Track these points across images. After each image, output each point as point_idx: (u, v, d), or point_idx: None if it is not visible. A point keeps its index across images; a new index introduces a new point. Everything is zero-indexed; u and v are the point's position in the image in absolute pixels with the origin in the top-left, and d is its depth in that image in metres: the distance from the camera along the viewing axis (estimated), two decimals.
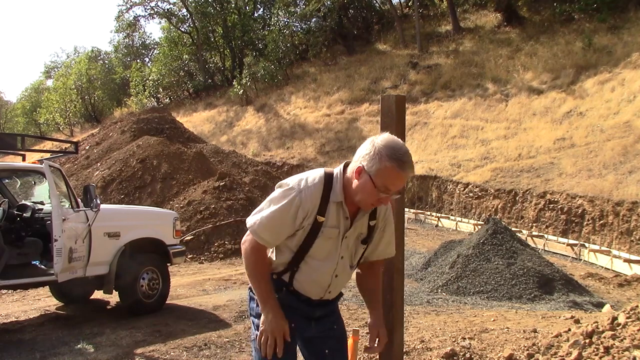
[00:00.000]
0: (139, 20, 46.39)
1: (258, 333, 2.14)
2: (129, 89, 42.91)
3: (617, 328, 3.32)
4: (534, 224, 13.81)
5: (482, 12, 28.16)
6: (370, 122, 23.96)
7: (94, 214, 5.77)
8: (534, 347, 3.77)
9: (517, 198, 14.65)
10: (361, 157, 2.01)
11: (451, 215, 16.54)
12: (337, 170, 2.13)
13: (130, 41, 49.81)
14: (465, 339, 4.67)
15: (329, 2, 31.69)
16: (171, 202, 12.24)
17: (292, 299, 2.17)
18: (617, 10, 20.95)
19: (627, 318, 3.36)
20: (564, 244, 12.10)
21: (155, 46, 48.92)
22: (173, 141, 16.16)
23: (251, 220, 2.12)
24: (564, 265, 9.99)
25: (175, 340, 5.21)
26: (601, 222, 12.18)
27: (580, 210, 12.77)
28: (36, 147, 24.48)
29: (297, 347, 2.29)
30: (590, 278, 9.02)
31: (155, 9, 42.82)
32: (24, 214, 6.14)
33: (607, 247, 11.48)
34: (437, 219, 16.44)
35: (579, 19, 22.46)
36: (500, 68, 22.08)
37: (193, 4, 38.99)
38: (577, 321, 4.38)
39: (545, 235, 12.78)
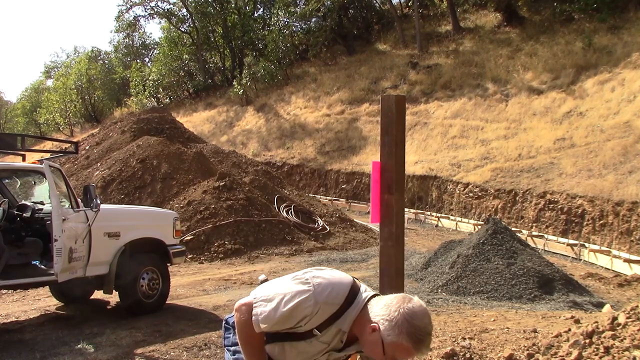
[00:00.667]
0: (139, 20, 46.44)
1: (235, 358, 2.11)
2: (129, 89, 42.93)
3: (617, 328, 3.32)
4: (534, 224, 13.81)
5: (482, 12, 28.16)
6: (370, 122, 23.96)
7: (94, 214, 5.77)
8: (534, 347, 3.77)
9: (517, 198, 14.65)
10: (381, 316, 1.85)
11: (451, 215, 16.54)
12: (362, 295, 1.97)
13: (130, 41, 49.85)
14: (465, 339, 4.67)
15: (329, 2, 31.69)
16: (171, 202, 12.23)
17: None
18: (617, 10, 20.95)
19: (627, 318, 3.36)
20: (564, 244, 12.10)
21: (155, 46, 48.95)
22: (173, 141, 16.15)
23: (258, 307, 1.95)
24: (564, 265, 9.99)
25: (175, 340, 5.21)
26: (601, 222, 12.18)
27: (580, 210, 12.77)
28: (36, 147, 24.49)
29: None
30: (590, 278, 9.02)
31: (155, 9, 42.87)
32: (24, 214, 6.14)
33: (607, 247, 11.48)
34: (437, 219, 16.44)
35: (579, 19, 22.46)
36: (500, 68, 22.08)
37: (193, 4, 39.00)
38: (577, 321, 4.38)
39: (545, 235, 12.78)
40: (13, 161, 8.11)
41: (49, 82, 57.00)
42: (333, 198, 20.76)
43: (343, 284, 1.97)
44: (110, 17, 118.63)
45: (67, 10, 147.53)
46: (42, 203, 6.41)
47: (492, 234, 8.49)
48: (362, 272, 9.08)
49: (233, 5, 39.30)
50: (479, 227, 11.46)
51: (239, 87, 31.86)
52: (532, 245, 10.64)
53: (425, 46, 27.61)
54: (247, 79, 31.90)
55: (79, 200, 5.90)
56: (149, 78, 40.05)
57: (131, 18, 44.80)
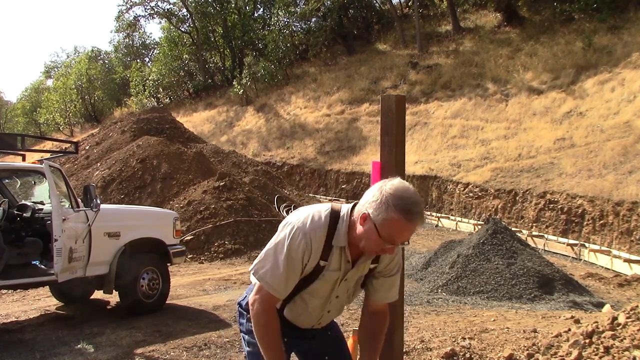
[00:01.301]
0: (139, 20, 46.46)
1: (249, 350, 2.12)
2: (129, 89, 42.93)
3: (617, 328, 3.32)
4: (534, 224, 13.81)
5: (482, 12, 28.15)
6: (370, 122, 23.95)
7: (94, 214, 5.77)
8: (534, 347, 3.77)
9: (517, 198, 14.65)
10: (367, 202, 1.88)
11: (451, 215, 16.54)
12: (344, 210, 2.00)
13: (130, 41, 49.86)
14: (465, 339, 4.67)
15: (329, 2, 31.70)
16: (171, 202, 12.24)
17: (282, 323, 2.07)
18: (617, 10, 20.94)
19: (627, 318, 3.36)
20: (564, 244, 12.10)
21: (155, 46, 48.95)
22: (173, 141, 16.16)
23: (259, 271, 1.98)
24: (564, 265, 9.99)
25: (175, 340, 5.21)
26: (601, 222, 12.18)
27: (580, 210, 12.77)
28: (36, 147, 24.48)
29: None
30: (590, 278, 9.02)
31: (155, 9, 42.87)
32: (24, 214, 6.14)
33: (607, 247, 11.48)
34: (437, 219, 16.44)
35: (579, 19, 22.45)
36: (500, 68, 22.08)
37: (193, 4, 39.00)
38: (577, 321, 4.38)
39: (545, 235, 12.78)
40: (13, 161, 8.12)
41: (49, 82, 57.02)
42: (333, 198, 20.76)
43: (321, 208, 2.01)
44: (110, 17, 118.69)
45: (67, 10, 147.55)
46: (42, 203, 6.41)
47: (492, 234, 8.49)
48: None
49: (233, 5, 39.29)
50: (479, 227, 11.46)
51: (239, 87, 31.86)
52: (532, 245, 10.64)
53: (425, 46, 27.61)
54: (247, 79, 31.89)
55: (79, 200, 5.90)
56: (149, 78, 40.04)
57: (131, 18, 44.87)
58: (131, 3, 42.02)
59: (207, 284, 8.12)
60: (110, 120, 32.16)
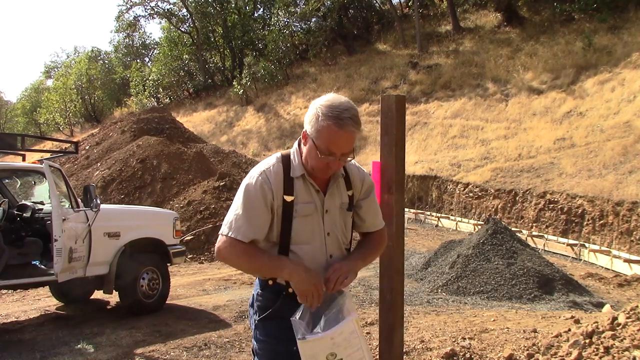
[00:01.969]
0: (139, 20, 46.54)
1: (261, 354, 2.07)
2: (129, 89, 42.93)
3: (617, 328, 3.32)
4: (534, 224, 13.81)
5: (482, 12, 28.16)
6: (370, 122, 23.94)
7: (94, 214, 5.77)
8: (534, 347, 3.77)
9: (517, 198, 14.65)
10: (306, 122, 1.92)
11: (451, 215, 16.53)
12: (293, 147, 2.03)
13: (130, 41, 49.89)
14: (465, 339, 4.67)
15: (329, 2, 31.70)
16: (171, 202, 12.24)
17: (289, 304, 1.96)
18: (617, 10, 20.96)
19: (627, 318, 3.36)
20: (564, 244, 12.10)
21: (155, 46, 48.97)
22: (173, 141, 16.16)
23: (224, 225, 1.97)
24: (564, 265, 9.99)
25: (175, 340, 5.21)
26: (601, 222, 12.18)
27: (580, 210, 12.77)
28: (36, 147, 24.49)
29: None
30: (590, 278, 9.02)
31: (155, 9, 42.91)
32: (24, 214, 6.15)
33: (607, 247, 11.47)
34: (437, 219, 16.43)
35: (579, 19, 22.46)
36: (500, 68, 22.09)
37: (193, 4, 39.01)
38: (577, 321, 4.38)
39: (545, 235, 12.77)
40: (13, 161, 8.12)
41: (49, 82, 57.01)
42: None
43: (271, 155, 2.06)
44: (110, 17, 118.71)
45: (67, 10, 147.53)
46: (42, 203, 6.42)
47: (492, 234, 8.49)
48: (362, 272, 9.04)
49: (233, 5, 39.31)
50: (479, 227, 11.46)
51: (239, 87, 31.86)
52: (532, 245, 10.64)
53: (425, 46, 27.62)
54: (247, 79, 31.90)
55: (79, 200, 5.90)
56: (149, 78, 40.05)
57: (131, 18, 44.95)
58: (131, 3, 42.07)
59: (207, 284, 8.11)
60: (110, 120, 32.16)
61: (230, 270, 9.43)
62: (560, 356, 3.39)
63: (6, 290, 6.99)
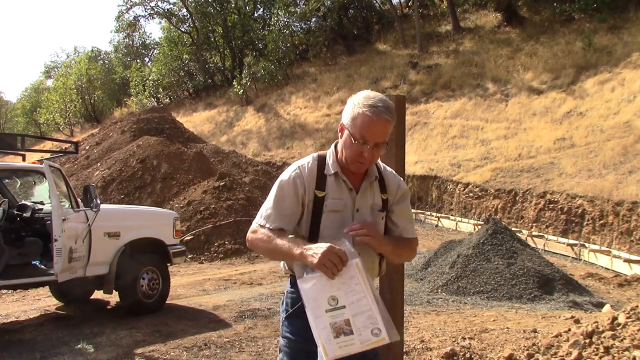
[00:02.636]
0: (139, 20, 46.46)
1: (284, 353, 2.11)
2: (129, 89, 42.91)
3: (617, 328, 3.32)
4: (534, 224, 13.80)
5: (482, 12, 28.15)
6: None
7: (94, 214, 5.77)
8: (534, 347, 3.77)
9: (517, 198, 14.65)
10: (343, 116, 2.02)
11: (451, 215, 16.53)
12: (330, 148, 2.14)
13: (130, 41, 49.85)
14: (465, 339, 4.67)
15: (329, 2, 31.70)
16: (171, 202, 12.24)
17: None
18: (617, 10, 20.95)
19: (627, 318, 3.36)
20: (564, 244, 12.10)
21: (155, 46, 48.92)
22: (173, 141, 16.16)
23: (259, 218, 2.07)
24: (564, 265, 9.99)
25: (175, 340, 5.21)
26: (601, 222, 12.17)
27: (580, 210, 12.76)
28: (36, 147, 24.50)
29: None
30: (590, 278, 9.02)
31: (155, 9, 42.87)
32: (24, 214, 6.15)
33: (607, 247, 11.47)
34: (437, 219, 16.43)
35: (579, 19, 22.45)
36: (500, 68, 22.08)
37: (193, 4, 38.99)
38: (577, 321, 4.38)
39: (545, 235, 12.77)
40: (13, 161, 8.12)
41: (49, 82, 56.97)
42: None
43: (303, 158, 2.15)
44: (110, 17, 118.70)
45: (67, 10, 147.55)
46: (42, 203, 6.42)
47: (492, 234, 8.48)
48: None
49: (233, 5, 39.29)
50: (479, 227, 11.46)
51: (239, 87, 31.85)
52: (532, 245, 10.64)
53: (425, 46, 27.61)
54: (247, 79, 31.88)
55: (79, 200, 5.90)
56: (149, 78, 40.03)
57: (131, 18, 44.86)
58: (131, 3, 42.04)
59: (207, 284, 8.12)
60: (110, 120, 32.16)
61: (230, 270, 9.43)
62: (560, 356, 3.39)
63: (6, 290, 6.99)
